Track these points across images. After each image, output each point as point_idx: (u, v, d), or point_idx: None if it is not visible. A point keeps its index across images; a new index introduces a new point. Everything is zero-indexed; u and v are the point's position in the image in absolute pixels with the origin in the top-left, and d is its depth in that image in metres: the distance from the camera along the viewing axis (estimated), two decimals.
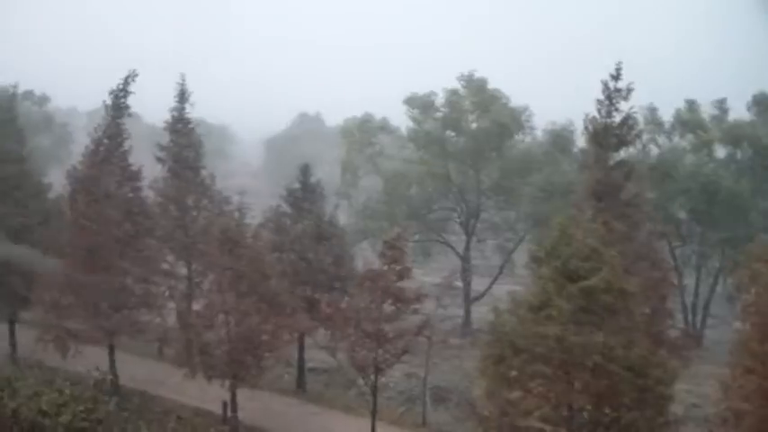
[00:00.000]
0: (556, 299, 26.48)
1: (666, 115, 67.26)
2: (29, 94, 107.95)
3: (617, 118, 37.34)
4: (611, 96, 37.09)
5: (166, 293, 47.81)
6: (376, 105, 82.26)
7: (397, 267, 37.08)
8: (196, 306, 43.19)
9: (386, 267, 37.01)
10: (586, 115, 37.76)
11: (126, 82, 45.89)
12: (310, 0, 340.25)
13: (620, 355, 25.91)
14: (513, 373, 27.71)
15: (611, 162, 37.73)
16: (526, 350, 26.97)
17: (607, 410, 27.40)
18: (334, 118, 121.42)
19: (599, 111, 37.38)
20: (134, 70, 46.09)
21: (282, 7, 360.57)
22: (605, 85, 36.98)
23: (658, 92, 66.71)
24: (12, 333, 48.89)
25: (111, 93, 45.84)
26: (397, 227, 47.15)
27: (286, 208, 48.37)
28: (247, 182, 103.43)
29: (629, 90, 37.03)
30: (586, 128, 38.23)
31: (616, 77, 36.83)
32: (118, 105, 46.05)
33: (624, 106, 37.38)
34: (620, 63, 36.86)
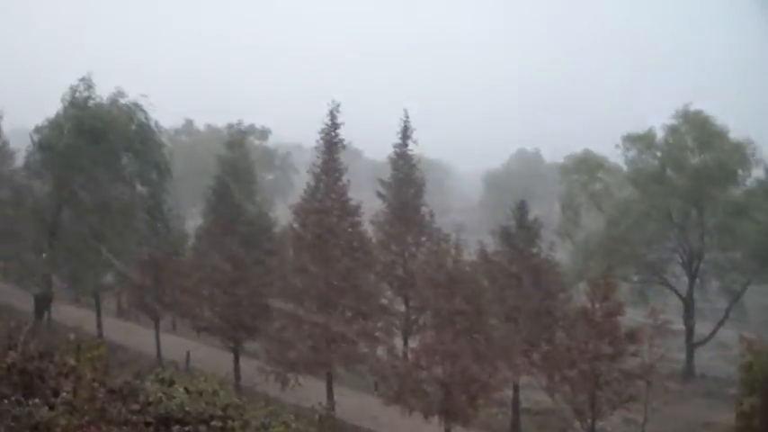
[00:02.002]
0: None
1: None
2: (251, 128, 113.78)
3: None
4: None
5: (383, 329, 50.82)
6: (594, 142, 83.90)
7: (608, 304, 38.98)
8: (412, 343, 46.35)
9: (597, 305, 38.95)
10: None
11: (333, 116, 50.12)
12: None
13: None
14: None
15: None
16: None
17: None
18: (553, 154, 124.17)
19: None
20: (337, 104, 49.48)
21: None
22: None
23: None
24: (236, 362, 53.22)
25: (321, 130, 50.38)
26: (615, 267, 48.24)
27: (500, 245, 50.91)
28: (464, 217, 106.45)
29: None
30: None
31: None
32: (330, 141, 50.49)
33: None
34: None
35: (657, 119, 72.27)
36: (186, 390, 10.02)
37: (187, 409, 9.12)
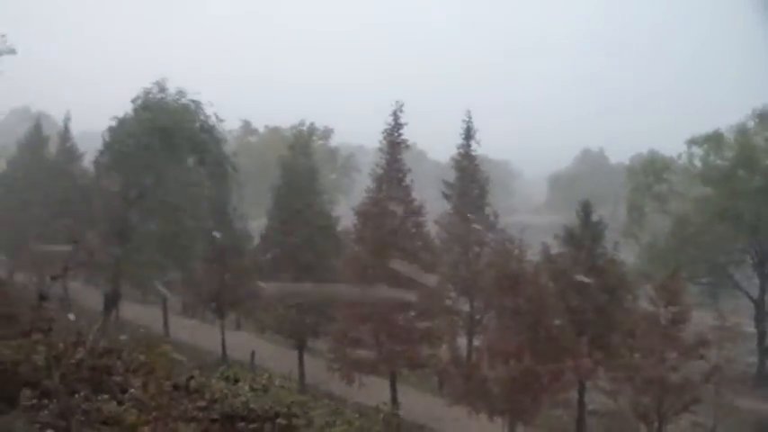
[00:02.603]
0: None
1: None
2: (313, 128, 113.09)
3: None
4: None
5: (447, 329, 50.94)
6: (660, 141, 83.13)
7: (673, 310, 38.42)
8: (476, 343, 46.33)
9: (660, 309, 38.44)
10: None
11: (396, 117, 50.33)
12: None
13: None
14: None
15: None
16: None
17: None
18: (617, 155, 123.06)
19: None
20: (400, 104, 49.91)
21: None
22: None
23: None
24: (301, 361, 53.42)
25: (384, 131, 50.53)
26: (683, 268, 47.65)
27: (564, 246, 50.45)
28: (529, 218, 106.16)
29: None
30: None
31: None
32: (393, 141, 50.61)
33: None
34: None
35: (724, 118, 71.19)
36: (251, 387, 10.11)
37: (252, 406, 9.19)
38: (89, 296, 63.21)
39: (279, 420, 9.04)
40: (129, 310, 62.93)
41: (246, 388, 10.08)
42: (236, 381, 10.38)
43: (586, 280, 46.66)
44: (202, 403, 8.92)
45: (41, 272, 56.29)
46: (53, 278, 10.87)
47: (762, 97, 70.45)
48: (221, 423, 8.68)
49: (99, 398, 8.03)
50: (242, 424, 8.79)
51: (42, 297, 9.75)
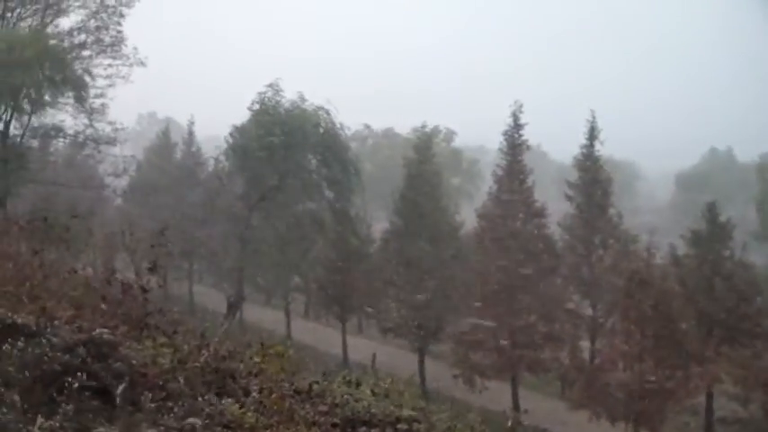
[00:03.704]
0: None
1: None
2: (436, 131, 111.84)
3: None
4: None
5: (570, 333, 50.25)
6: None
7: None
8: (599, 347, 45.55)
9: None
10: None
11: (515, 117, 49.80)
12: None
13: None
14: None
15: None
16: None
17: None
18: (745, 153, 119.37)
19: None
20: (520, 104, 49.83)
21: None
22: None
23: None
24: (422, 364, 53.29)
25: (504, 132, 50.10)
26: None
27: (690, 248, 49.12)
28: (654, 219, 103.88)
29: None
30: None
31: None
32: (513, 143, 50.14)
33: None
34: None
35: None
36: (372, 391, 10.03)
37: (373, 410, 9.11)
38: (215, 300, 64.72)
39: (400, 425, 8.93)
40: (253, 313, 64.01)
41: (368, 392, 10.01)
42: (358, 385, 10.32)
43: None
44: (324, 407, 8.88)
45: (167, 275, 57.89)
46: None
47: None
48: (342, 428, 8.61)
49: (222, 401, 8.07)
50: (363, 428, 8.72)
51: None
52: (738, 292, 46.83)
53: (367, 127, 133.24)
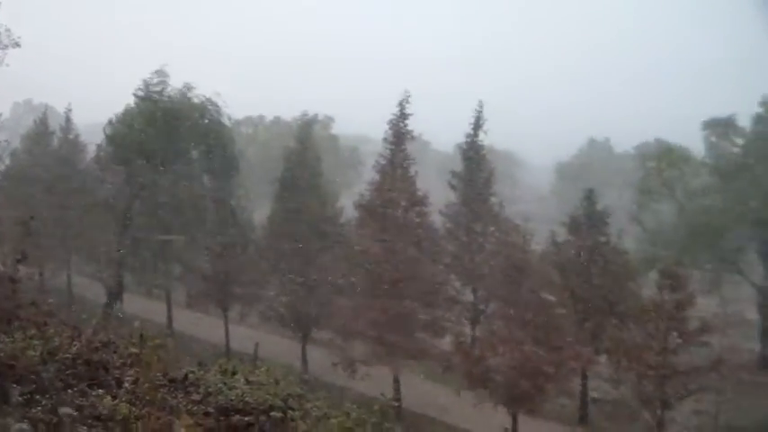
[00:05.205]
0: None
1: None
2: (315, 118, 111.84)
3: None
4: None
5: (452, 319, 50.99)
6: (665, 129, 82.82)
7: (677, 296, 38.48)
8: (480, 332, 46.31)
9: (665, 296, 38.49)
10: None
11: (402, 107, 50.20)
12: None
13: None
14: None
15: None
16: None
17: None
18: (621, 144, 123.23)
19: None
20: (407, 95, 49.78)
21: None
22: None
23: None
24: (304, 352, 53.77)
25: (389, 121, 50.43)
26: (687, 255, 47.52)
27: (567, 234, 50.49)
28: (536, 208, 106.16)
29: None
30: None
31: None
32: (398, 132, 50.51)
33: None
34: None
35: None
36: (247, 380, 10.10)
37: (247, 399, 9.20)
38: (93, 290, 63.39)
39: (273, 413, 9.04)
40: (134, 304, 62.88)
41: (242, 381, 10.08)
42: (234, 374, 10.38)
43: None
44: (197, 397, 8.93)
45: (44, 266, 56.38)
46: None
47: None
48: (215, 416, 8.68)
49: (94, 392, 8.04)
50: (236, 417, 8.80)
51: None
52: (613, 276, 48.34)
53: (255, 116, 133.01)
